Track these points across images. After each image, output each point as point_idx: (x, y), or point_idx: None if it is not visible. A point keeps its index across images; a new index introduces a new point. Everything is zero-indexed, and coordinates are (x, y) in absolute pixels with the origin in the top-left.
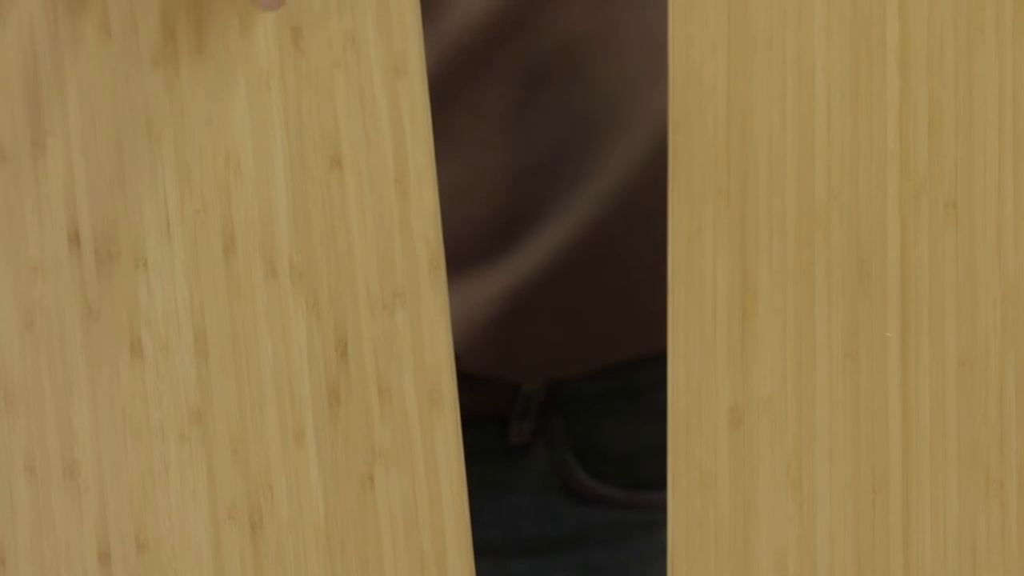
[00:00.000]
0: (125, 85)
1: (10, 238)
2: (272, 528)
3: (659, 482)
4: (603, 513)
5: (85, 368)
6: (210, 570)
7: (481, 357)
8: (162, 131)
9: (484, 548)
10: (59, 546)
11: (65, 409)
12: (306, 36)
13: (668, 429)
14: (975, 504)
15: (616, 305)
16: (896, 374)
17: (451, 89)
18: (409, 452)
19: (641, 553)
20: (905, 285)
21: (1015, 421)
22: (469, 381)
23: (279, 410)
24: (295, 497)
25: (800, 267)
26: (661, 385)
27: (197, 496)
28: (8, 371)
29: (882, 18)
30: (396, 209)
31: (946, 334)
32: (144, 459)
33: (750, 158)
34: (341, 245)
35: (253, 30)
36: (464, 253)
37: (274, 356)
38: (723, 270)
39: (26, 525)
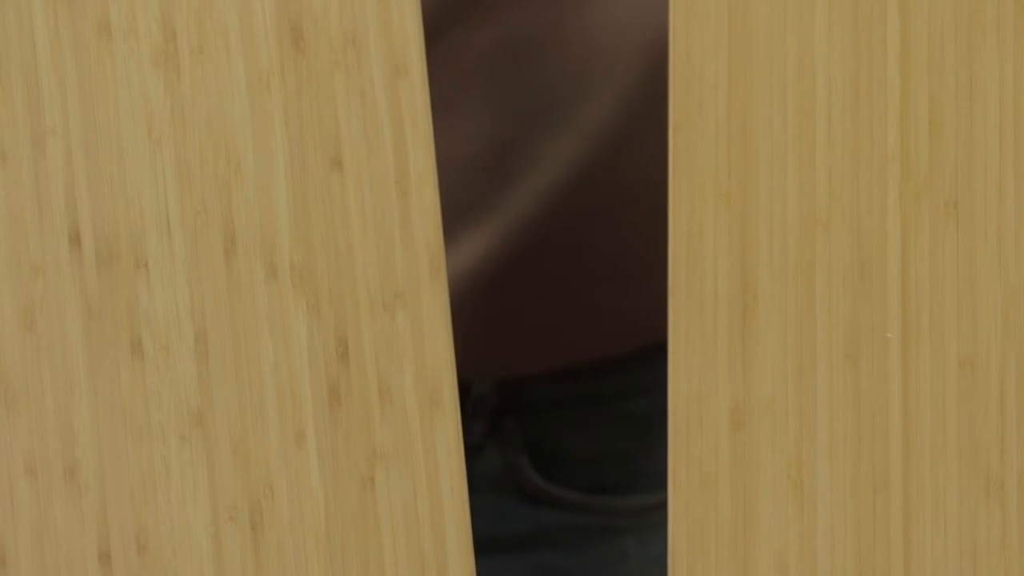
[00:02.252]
0: (126, 85)
1: (10, 238)
2: (273, 529)
3: (622, 487)
4: (558, 516)
5: (85, 369)
6: (211, 570)
7: None
8: (162, 131)
9: None
10: (60, 547)
11: (65, 410)
12: (306, 36)
13: (668, 429)
14: (976, 505)
15: (561, 305)
16: (897, 375)
17: None
18: (410, 453)
19: (600, 558)
20: (906, 286)
21: (1016, 422)
22: None
23: (280, 411)
24: (296, 498)
25: (801, 268)
26: (627, 393)
27: (198, 497)
28: (8, 371)
29: (883, 19)
30: (397, 210)
31: (947, 335)
32: (145, 460)
33: (751, 159)
34: (342, 246)
35: (253, 30)
36: None
37: (274, 357)
38: (723, 270)
39: (26, 526)
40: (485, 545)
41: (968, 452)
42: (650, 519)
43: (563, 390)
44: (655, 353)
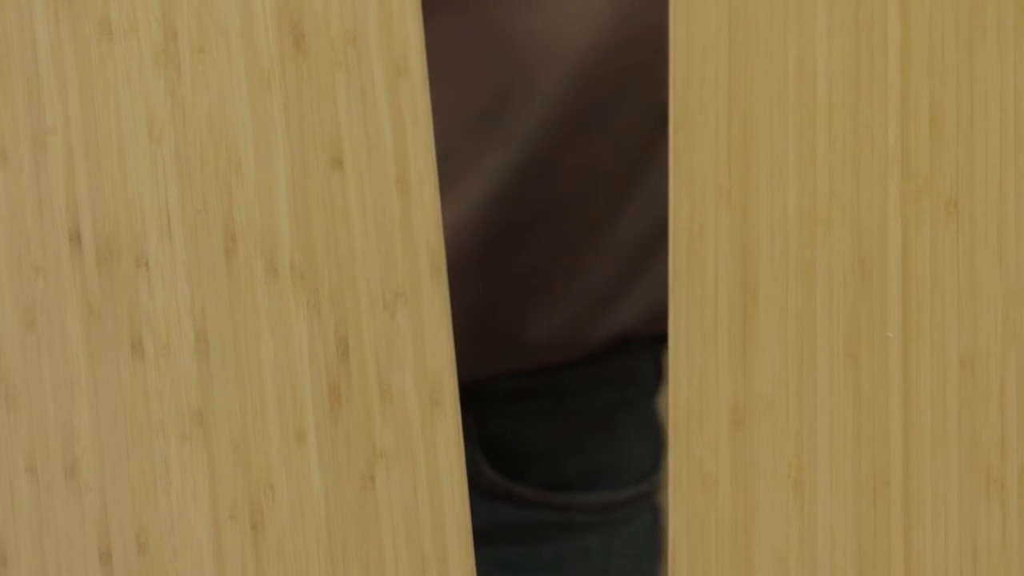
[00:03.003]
0: (126, 84)
1: (11, 237)
2: (273, 528)
3: (580, 483)
4: (516, 511)
5: (86, 368)
6: (211, 570)
7: None
8: (163, 131)
9: None
10: (60, 546)
11: (66, 409)
12: (307, 36)
13: (669, 429)
14: (976, 504)
15: (504, 312)
16: (897, 374)
17: None
18: (410, 452)
19: (559, 554)
20: (906, 285)
21: (1016, 421)
22: None
23: (280, 410)
24: (296, 497)
25: (801, 267)
26: (589, 386)
27: (198, 496)
28: (9, 370)
29: (883, 18)
30: (397, 209)
31: (947, 334)
32: (145, 459)
33: (751, 158)
34: (342, 245)
35: (254, 30)
36: None
37: (275, 356)
38: (724, 270)
39: (27, 525)
40: None
41: (968, 451)
42: (614, 515)
43: (522, 383)
44: (617, 345)
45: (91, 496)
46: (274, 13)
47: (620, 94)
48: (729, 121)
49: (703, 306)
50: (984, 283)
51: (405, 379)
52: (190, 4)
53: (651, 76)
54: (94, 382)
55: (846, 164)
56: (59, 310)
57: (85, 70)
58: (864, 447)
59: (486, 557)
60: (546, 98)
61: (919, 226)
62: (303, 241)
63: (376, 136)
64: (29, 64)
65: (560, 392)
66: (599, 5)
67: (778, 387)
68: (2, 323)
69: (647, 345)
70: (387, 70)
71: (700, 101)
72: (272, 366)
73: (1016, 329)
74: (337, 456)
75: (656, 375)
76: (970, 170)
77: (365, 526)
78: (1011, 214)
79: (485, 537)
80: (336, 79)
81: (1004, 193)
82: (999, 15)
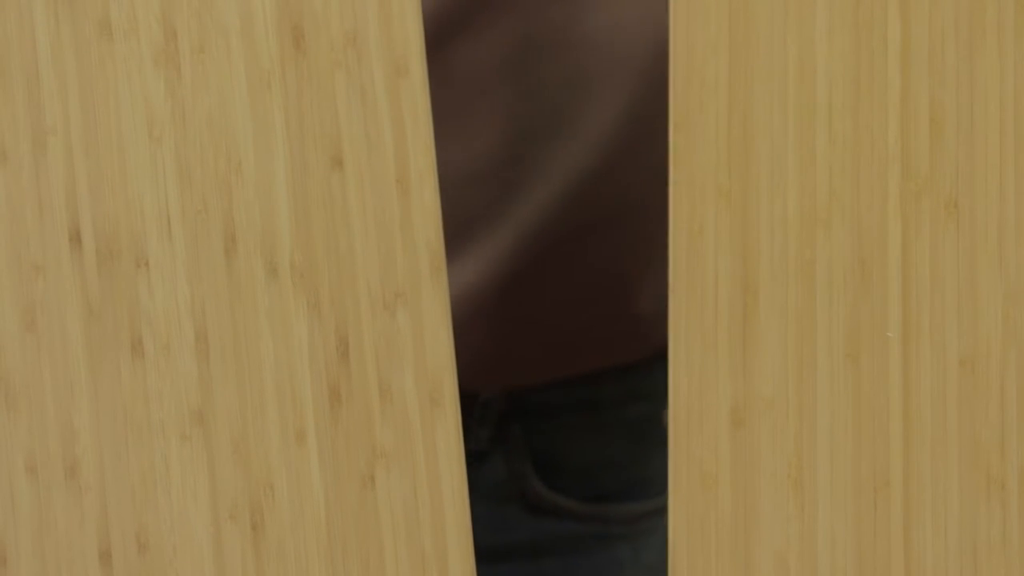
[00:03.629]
0: (127, 84)
1: (11, 237)
2: (273, 528)
3: (617, 495)
4: (559, 524)
5: (86, 367)
6: (211, 570)
7: None
8: (163, 131)
9: None
10: (60, 546)
11: (66, 408)
12: (307, 36)
13: (669, 429)
14: (976, 504)
15: (568, 315)
16: (897, 374)
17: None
18: (410, 452)
19: (596, 566)
20: (906, 285)
21: (1016, 421)
22: None
23: (280, 410)
24: (296, 497)
25: (801, 267)
26: (626, 399)
27: (198, 496)
28: (9, 370)
29: (883, 18)
30: (397, 209)
31: (947, 334)
32: (145, 459)
33: (751, 158)
34: (342, 245)
35: (254, 30)
36: None
37: (275, 356)
38: (724, 269)
39: (27, 525)
40: (486, 554)
41: (968, 451)
42: (642, 526)
43: (567, 395)
44: (656, 359)
45: (91, 496)
46: (274, 13)
47: None
48: (729, 121)
49: (703, 306)
50: (984, 283)
51: (405, 379)
52: (190, 4)
53: None
54: (94, 382)
55: (846, 164)
56: (59, 310)
57: (85, 70)
58: (864, 447)
59: (529, 571)
60: (614, 100)
61: (919, 226)
62: (303, 241)
63: (376, 136)
64: (29, 64)
65: (599, 405)
66: (663, 4)
67: (778, 387)
68: (2, 323)
69: None
70: (387, 70)
71: (700, 101)
72: (272, 366)
73: (1016, 329)
74: (337, 456)
75: None
76: (970, 170)
77: (365, 526)
78: (1011, 214)
79: (528, 551)
80: (336, 79)
81: (1004, 193)
82: (999, 15)
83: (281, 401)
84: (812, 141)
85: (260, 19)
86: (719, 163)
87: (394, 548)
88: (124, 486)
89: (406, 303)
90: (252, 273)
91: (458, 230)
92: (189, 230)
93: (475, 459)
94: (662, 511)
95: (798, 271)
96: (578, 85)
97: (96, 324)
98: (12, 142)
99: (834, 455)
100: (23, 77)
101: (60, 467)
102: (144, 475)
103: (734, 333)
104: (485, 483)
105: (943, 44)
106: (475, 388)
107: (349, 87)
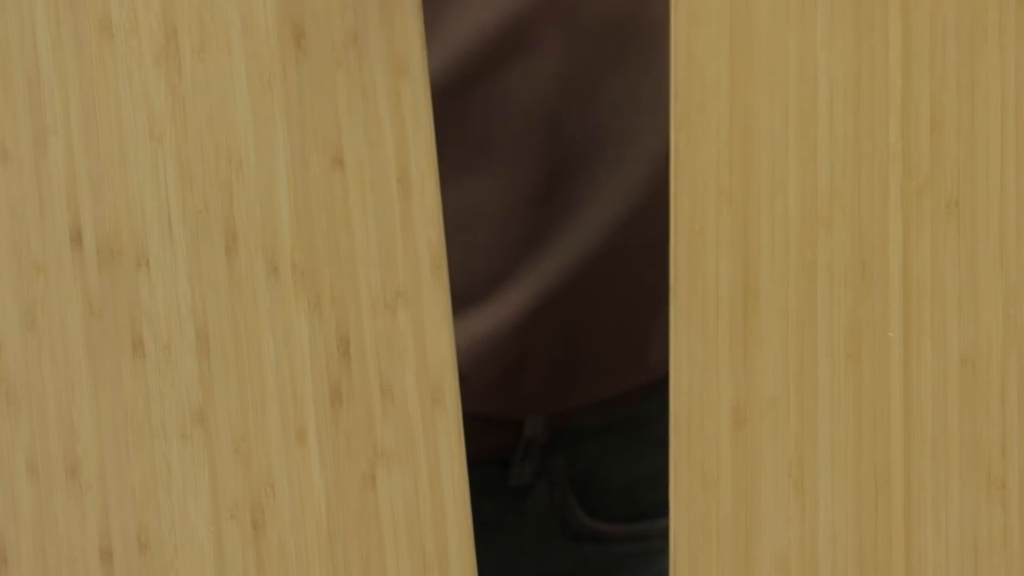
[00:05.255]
0: (127, 84)
1: (12, 237)
2: (274, 527)
3: (657, 510)
4: (601, 548)
5: (87, 367)
6: (212, 569)
7: (485, 392)
8: (164, 130)
9: None
10: (61, 545)
11: (67, 408)
12: (308, 35)
13: (670, 428)
14: (977, 503)
15: (616, 336)
16: (898, 373)
17: (453, 115)
18: (411, 451)
19: None
20: (907, 284)
21: (1017, 420)
22: (473, 425)
23: (281, 409)
24: (297, 496)
25: (802, 266)
26: (660, 414)
27: (199, 495)
28: (10, 370)
29: (884, 19)
30: (398, 208)
31: (948, 333)
32: (146, 458)
33: (752, 158)
34: (343, 244)
35: (255, 29)
36: (466, 282)
37: (276, 355)
38: (725, 269)
39: (28, 524)
40: None
41: (969, 450)
42: None
43: (606, 417)
44: None
45: (92, 495)
46: (275, 12)
47: None
48: (730, 121)
49: (704, 306)
50: (985, 282)
51: (406, 378)
52: (191, 3)
53: None
54: (95, 381)
55: (847, 164)
56: (60, 309)
57: (86, 70)
58: (865, 446)
59: None
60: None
61: (920, 225)
62: (304, 240)
63: (377, 136)
64: (30, 64)
65: (635, 422)
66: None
67: (779, 387)
68: (3, 322)
69: None
70: (388, 70)
71: (701, 101)
72: (273, 365)
73: (1017, 328)
74: (338, 455)
75: None
76: (971, 169)
77: (366, 525)
78: (1012, 213)
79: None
80: (337, 79)
81: (1005, 192)
82: (1000, 15)
83: (282, 400)
84: (813, 141)
85: (261, 18)
86: (720, 163)
87: (395, 547)
88: (125, 485)
89: (407, 302)
90: (253, 272)
91: (514, 251)
92: (190, 229)
93: (518, 495)
94: None
95: (799, 271)
96: (630, 109)
97: (97, 323)
98: (13, 141)
99: (835, 454)
100: (24, 77)
101: (61, 466)
102: (145, 474)
103: (735, 333)
104: (528, 516)
105: (944, 44)
106: (522, 415)
107: (350, 86)
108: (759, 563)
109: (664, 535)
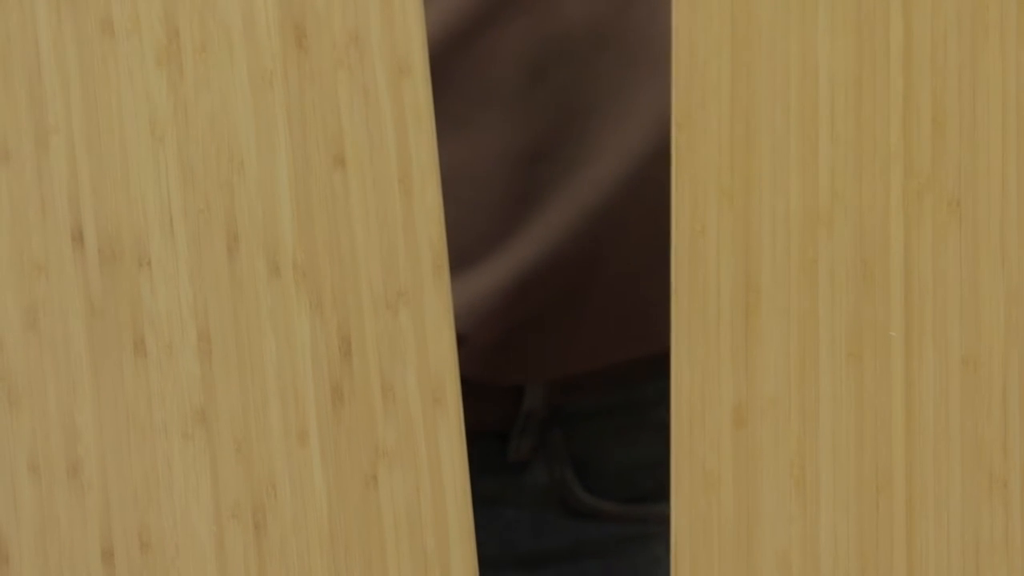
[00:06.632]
0: (129, 83)
1: (14, 237)
2: (276, 527)
3: (656, 495)
4: (599, 528)
5: (89, 367)
6: (213, 569)
7: (484, 354)
8: (165, 130)
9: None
10: (62, 544)
11: (68, 408)
12: (309, 35)
13: (671, 428)
14: (979, 503)
15: (619, 298)
16: (900, 373)
17: (452, 70)
18: (412, 451)
19: (635, 566)
20: (909, 284)
21: (1019, 420)
22: (470, 394)
23: (282, 409)
24: (299, 496)
25: (804, 266)
26: (662, 399)
27: (201, 495)
28: (12, 370)
29: (886, 17)
30: (399, 208)
31: (950, 333)
32: (148, 458)
33: (754, 157)
34: (344, 244)
35: (256, 28)
36: (466, 240)
37: (277, 355)
38: (727, 269)
39: (30, 523)
40: (528, 559)
41: (971, 450)
42: None
43: (605, 397)
44: None
45: (93, 495)
46: (276, 12)
47: None
48: (731, 120)
49: (705, 305)
50: (986, 282)
51: (407, 378)
52: (192, 3)
53: None
54: (96, 381)
55: (848, 163)
56: (61, 309)
57: (87, 69)
58: (867, 446)
59: (570, 573)
60: (650, 99)
61: (921, 225)
62: (305, 240)
63: (378, 135)
64: (31, 63)
65: (636, 406)
66: None
67: (780, 386)
68: (5, 322)
69: None
70: (389, 69)
71: (702, 100)
72: (274, 365)
73: (1018, 328)
74: (339, 455)
75: None
76: (972, 169)
77: (367, 525)
78: (1013, 213)
79: (569, 554)
80: (338, 78)
81: (1006, 192)
82: (1001, 14)
83: (283, 400)
84: (814, 140)
85: (262, 18)
86: (721, 162)
87: (396, 547)
88: (126, 485)
89: (408, 302)
90: (254, 272)
91: (516, 207)
92: (191, 229)
93: (516, 469)
94: None
95: (800, 270)
96: (632, 66)
97: (98, 323)
98: (14, 141)
99: (836, 454)
100: (25, 76)
101: (62, 466)
102: (146, 474)
103: (736, 332)
104: (526, 490)
105: (945, 43)
106: (522, 380)
107: (351, 86)
108: (760, 562)
109: (662, 520)
